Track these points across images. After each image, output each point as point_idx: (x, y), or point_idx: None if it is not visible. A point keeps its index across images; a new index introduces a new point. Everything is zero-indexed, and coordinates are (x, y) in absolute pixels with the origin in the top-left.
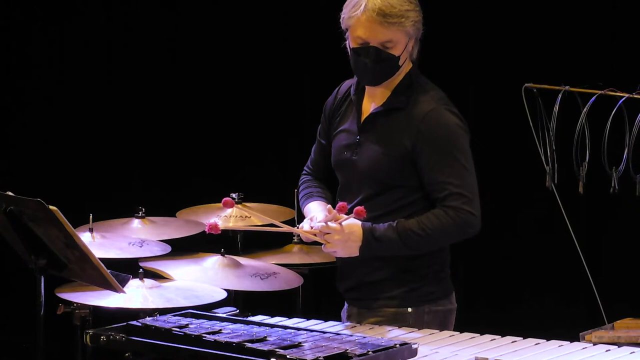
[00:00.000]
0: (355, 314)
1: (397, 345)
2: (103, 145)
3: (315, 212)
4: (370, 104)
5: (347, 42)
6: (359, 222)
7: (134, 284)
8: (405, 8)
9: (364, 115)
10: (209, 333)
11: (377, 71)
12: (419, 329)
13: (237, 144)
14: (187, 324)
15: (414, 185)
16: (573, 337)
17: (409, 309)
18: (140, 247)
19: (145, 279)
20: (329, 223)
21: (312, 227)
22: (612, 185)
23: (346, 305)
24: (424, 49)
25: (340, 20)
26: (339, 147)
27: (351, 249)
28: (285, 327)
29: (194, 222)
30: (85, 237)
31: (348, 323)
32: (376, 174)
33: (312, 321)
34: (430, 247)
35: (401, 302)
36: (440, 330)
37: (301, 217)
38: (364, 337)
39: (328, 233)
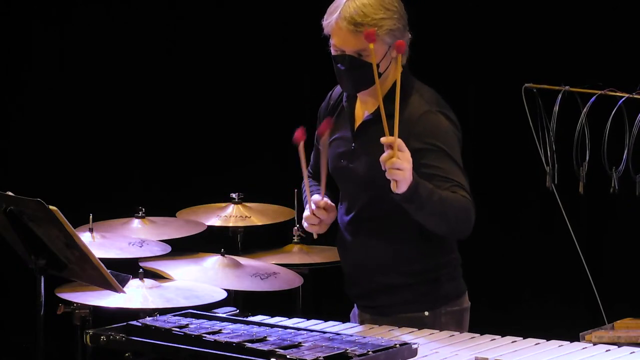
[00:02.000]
0: (369, 320)
1: (397, 345)
2: (103, 145)
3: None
4: (362, 111)
5: (330, 48)
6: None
7: (134, 284)
8: (379, 16)
9: (357, 121)
10: (209, 333)
11: (355, 79)
12: (418, 329)
13: (237, 143)
14: (187, 324)
15: None
16: (573, 337)
17: (426, 313)
18: (140, 247)
19: (145, 279)
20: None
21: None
22: (612, 185)
23: (357, 310)
24: (423, 49)
25: (322, 26)
26: (335, 155)
27: (409, 174)
28: (285, 327)
29: (194, 222)
30: (85, 237)
31: (349, 323)
32: (374, 180)
33: (312, 321)
34: (444, 215)
35: (417, 307)
36: (458, 330)
37: (301, 217)
38: (364, 337)
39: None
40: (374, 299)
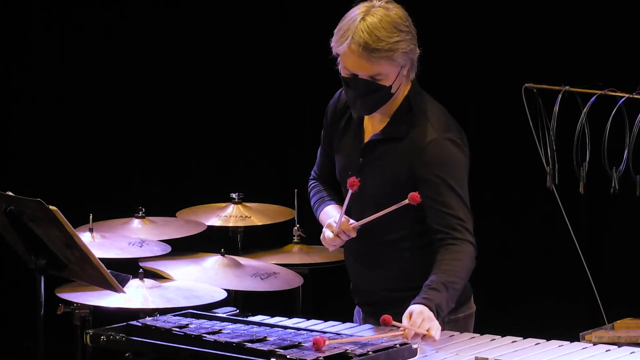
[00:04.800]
0: (372, 324)
1: (397, 345)
2: (103, 145)
3: (334, 217)
4: (370, 125)
5: (339, 66)
6: (416, 306)
7: (134, 284)
8: (394, 39)
9: (366, 134)
10: (209, 333)
11: (368, 102)
12: None
13: (237, 143)
14: (187, 324)
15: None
16: (573, 337)
17: None
18: (140, 247)
19: (145, 279)
20: (407, 321)
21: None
22: (613, 185)
23: (361, 312)
24: (423, 49)
25: (331, 45)
26: (343, 166)
27: (438, 325)
28: (285, 327)
29: (194, 222)
30: (85, 237)
31: (349, 323)
32: (380, 201)
33: (312, 321)
34: (462, 287)
35: None
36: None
37: (301, 217)
38: (364, 337)
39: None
40: (378, 308)
